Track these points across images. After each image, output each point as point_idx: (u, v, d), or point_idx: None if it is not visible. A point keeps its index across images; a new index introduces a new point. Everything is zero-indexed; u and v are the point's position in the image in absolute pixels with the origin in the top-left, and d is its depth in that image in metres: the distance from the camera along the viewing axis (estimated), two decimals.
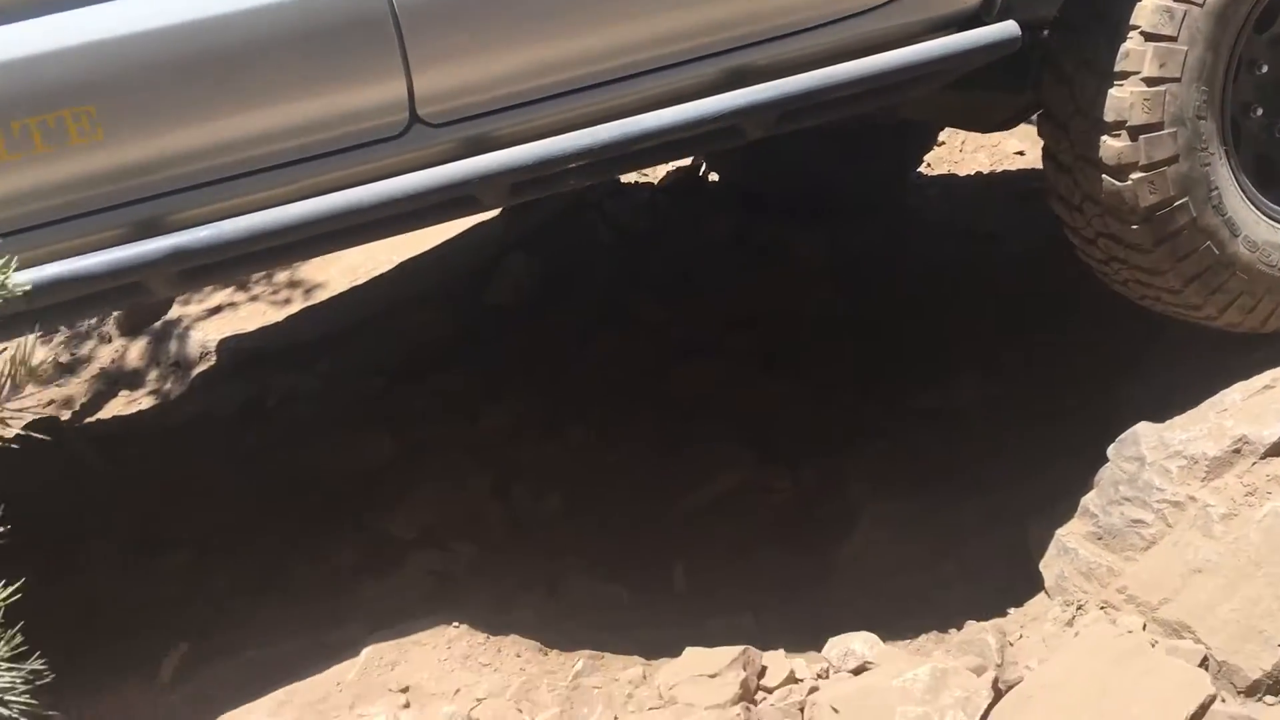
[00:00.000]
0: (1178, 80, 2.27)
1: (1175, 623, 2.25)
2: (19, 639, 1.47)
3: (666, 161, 3.11)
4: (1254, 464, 2.38)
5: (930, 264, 3.68)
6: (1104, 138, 2.31)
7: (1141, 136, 2.28)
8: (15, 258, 1.48)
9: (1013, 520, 2.75)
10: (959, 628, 2.46)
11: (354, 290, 3.96)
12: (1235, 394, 2.51)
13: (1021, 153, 4.25)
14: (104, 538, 2.82)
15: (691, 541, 2.99)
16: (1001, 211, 3.84)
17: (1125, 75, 2.28)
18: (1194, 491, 2.42)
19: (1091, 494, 2.58)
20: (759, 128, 2.19)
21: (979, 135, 4.30)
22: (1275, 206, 2.45)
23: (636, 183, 4.22)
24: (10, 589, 1.46)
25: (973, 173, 4.27)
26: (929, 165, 4.24)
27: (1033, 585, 2.60)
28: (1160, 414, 2.57)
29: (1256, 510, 2.28)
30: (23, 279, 1.49)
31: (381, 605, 2.59)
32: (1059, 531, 2.61)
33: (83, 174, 1.86)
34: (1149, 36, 2.26)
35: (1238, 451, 2.41)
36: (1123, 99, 2.28)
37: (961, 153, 4.33)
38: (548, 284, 3.79)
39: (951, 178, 4.25)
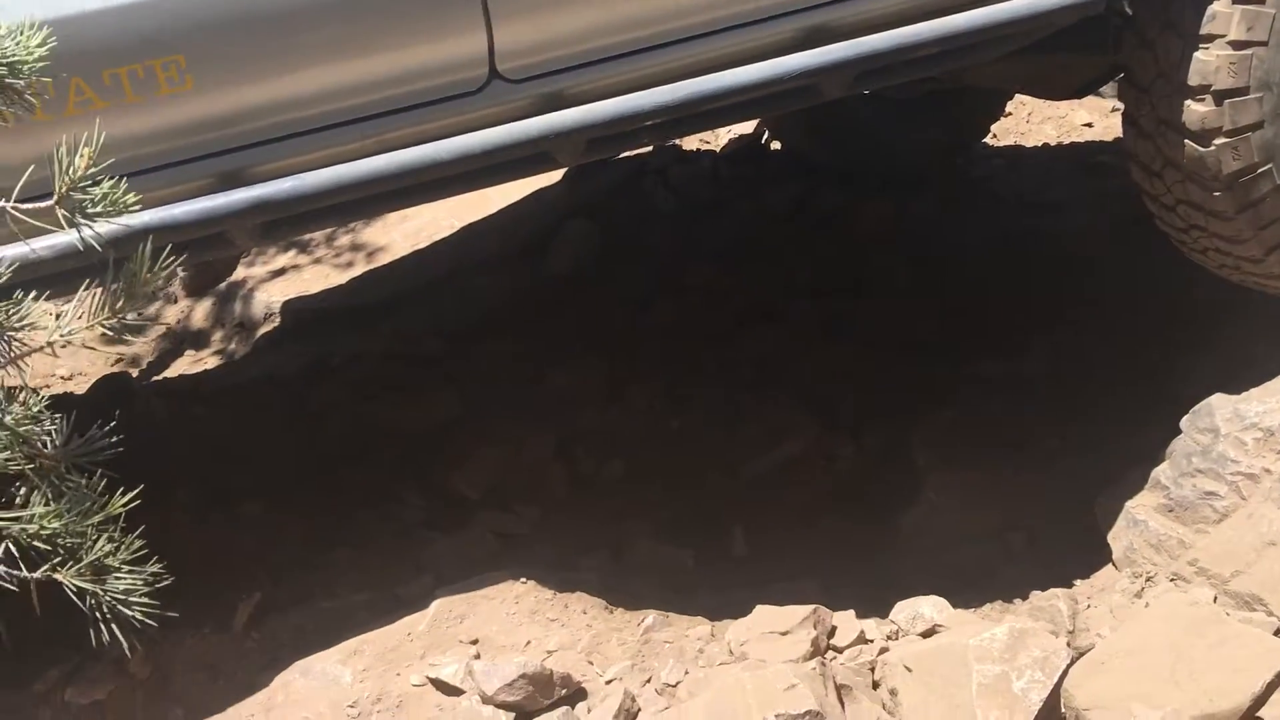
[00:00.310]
0: (1265, 44, 2.22)
1: (1248, 595, 2.22)
2: (138, 544, 1.51)
3: (743, 120, 3.06)
4: None
5: (995, 234, 3.64)
6: (1187, 102, 2.26)
7: (1226, 101, 2.24)
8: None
9: (1080, 491, 2.73)
10: (1024, 597, 2.45)
11: (416, 254, 3.99)
12: None
13: (1090, 125, 4.18)
14: (177, 490, 2.86)
15: (754, 507, 3.00)
16: (1068, 183, 3.79)
17: (1211, 39, 2.24)
18: (1269, 464, 2.38)
19: (1163, 466, 2.56)
20: (837, 87, 2.17)
21: (1046, 107, 4.24)
22: None
23: (698, 150, 4.20)
24: (129, 495, 1.49)
25: (1039, 144, 4.21)
26: (995, 136, 4.18)
27: (1100, 557, 2.58)
28: (1234, 386, 2.54)
29: None
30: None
31: (448, 561, 2.62)
32: (1128, 503, 2.58)
33: (171, 124, 1.89)
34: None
35: None
36: (1208, 62, 2.23)
37: (1029, 124, 4.26)
38: (608, 251, 3.80)
39: (1018, 149, 4.18)
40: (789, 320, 3.48)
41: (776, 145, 4.19)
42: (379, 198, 2.05)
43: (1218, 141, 2.26)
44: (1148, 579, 2.43)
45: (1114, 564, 2.56)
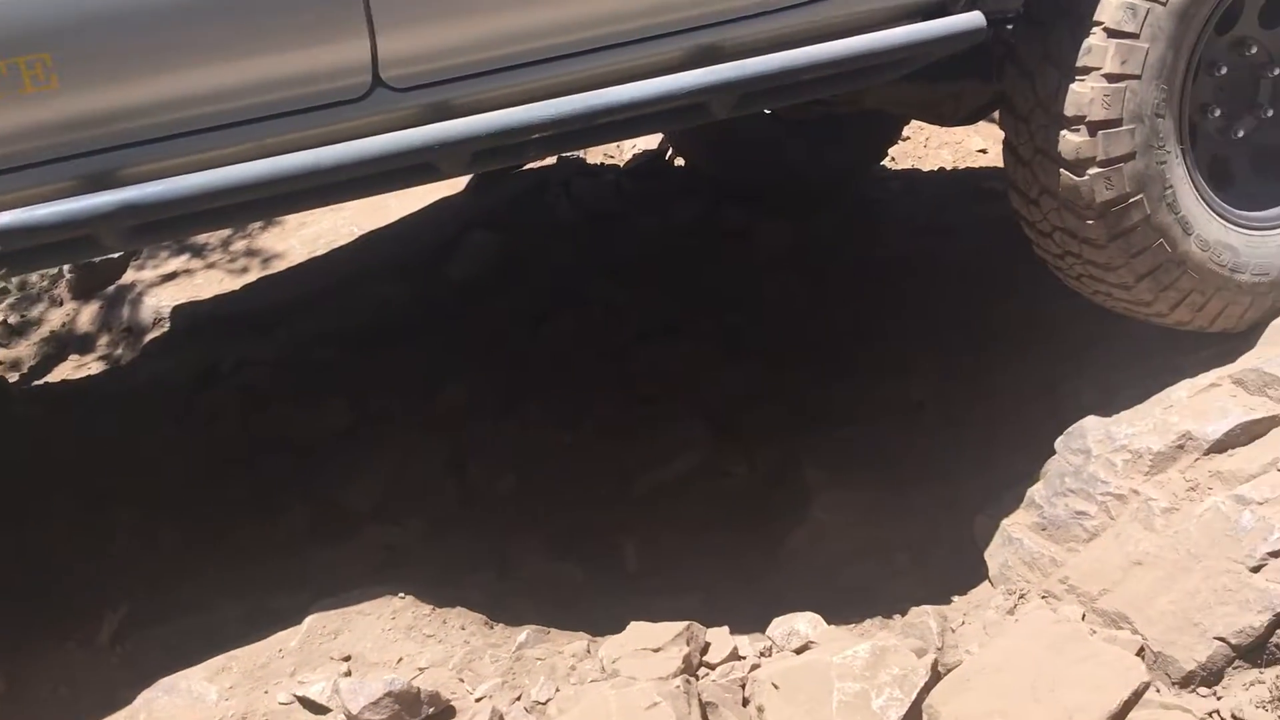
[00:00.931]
0: (1138, 77, 2.30)
1: (1114, 613, 2.29)
2: None
3: (631, 137, 3.08)
4: (1196, 460, 2.42)
5: (891, 256, 3.70)
6: (1063, 132, 2.33)
7: (1100, 132, 2.31)
8: None
9: (963, 510, 2.78)
10: (904, 614, 2.48)
11: (313, 260, 3.93)
12: (1181, 391, 2.55)
13: (984, 150, 4.28)
14: (50, 497, 2.78)
15: (646, 522, 3.00)
16: (960, 207, 3.87)
17: (1087, 71, 2.30)
18: (1137, 485, 2.46)
19: (1038, 485, 2.62)
20: (725, 107, 2.18)
21: (943, 133, 4.33)
22: (1228, 207, 2.49)
23: (602, 164, 4.21)
24: None
25: (936, 168, 4.30)
26: (894, 159, 4.26)
27: (978, 574, 2.63)
28: (1108, 409, 2.61)
29: (1197, 505, 2.32)
30: None
31: (331, 575, 2.58)
32: (1005, 521, 2.64)
33: (36, 123, 1.83)
34: (1111, 33, 2.28)
35: (1181, 447, 2.45)
36: (1083, 94, 2.30)
37: (926, 148, 4.35)
38: (509, 262, 3.78)
39: (915, 172, 4.27)
40: (688, 336, 3.49)
41: (681, 161, 4.22)
42: (257, 203, 2.01)
43: (1091, 171, 2.32)
44: (1021, 596, 2.48)
45: (990, 581, 2.61)
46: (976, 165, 4.28)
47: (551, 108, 2.04)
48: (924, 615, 2.09)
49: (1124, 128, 2.32)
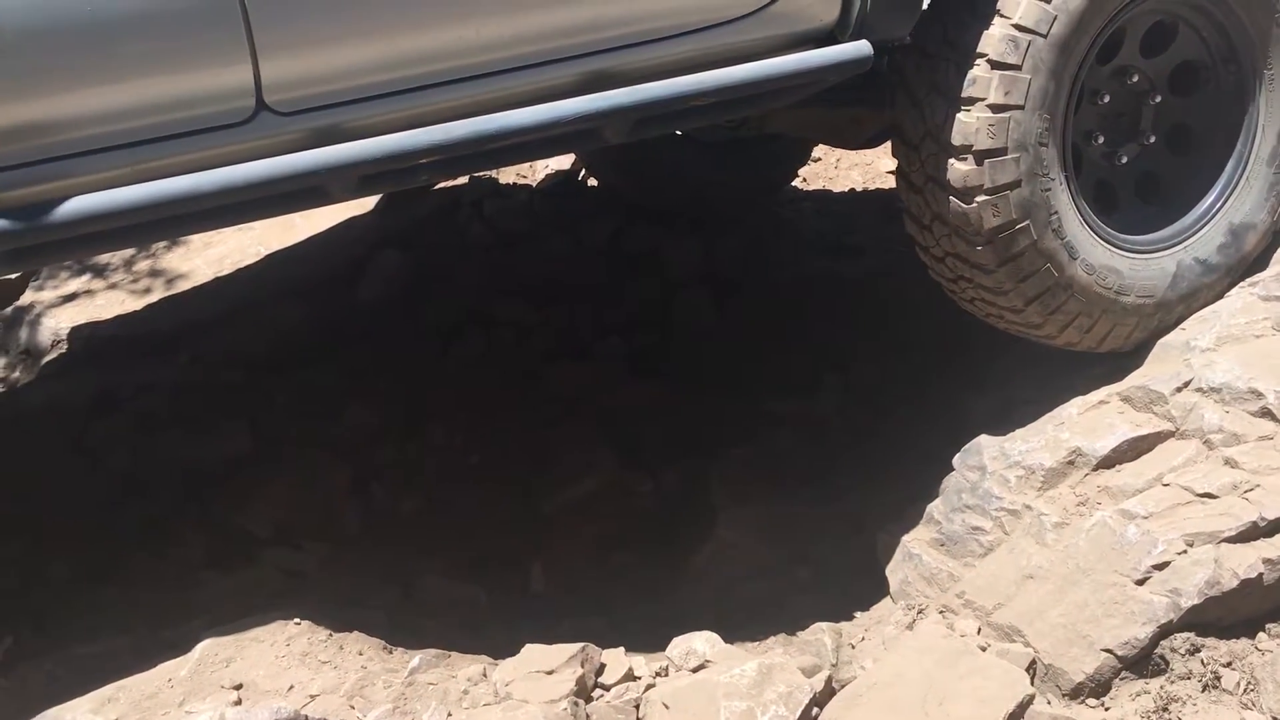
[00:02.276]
0: (1021, 108, 2.35)
1: (1007, 627, 2.32)
2: None
3: (523, 161, 3.07)
4: (1086, 475, 2.48)
5: (799, 275, 3.74)
6: (951, 160, 2.37)
7: (986, 161, 2.35)
8: None
9: (865, 526, 2.81)
10: (805, 629, 2.51)
11: (217, 281, 3.86)
12: (1073, 408, 2.61)
13: (893, 172, 4.34)
14: None
15: (552, 543, 3.00)
16: (869, 228, 3.93)
17: (972, 101, 2.35)
18: (1030, 501, 2.50)
19: (936, 501, 2.66)
20: (617, 132, 2.19)
21: (854, 154, 4.39)
22: (1113, 232, 2.55)
23: (514, 184, 4.20)
24: None
25: (847, 189, 4.37)
26: (805, 180, 4.32)
27: (880, 590, 2.66)
28: (1004, 425, 2.66)
29: (1086, 520, 2.37)
30: None
31: (227, 601, 2.54)
32: (905, 537, 2.68)
33: None
34: (995, 64, 2.33)
35: (1071, 463, 2.50)
36: (969, 124, 2.34)
37: (837, 170, 4.41)
38: (419, 282, 3.75)
39: (826, 193, 4.33)
40: (596, 357, 3.50)
41: (594, 181, 4.23)
42: (140, 227, 1.96)
43: (979, 199, 2.37)
44: (919, 611, 2.52)
45: (891, 596, 2.64)
46: (886, 186, 4.34)
47: (440, 132, 2.02)
48: (819, 633, 2.11)
49: (1009, 156, 2.36)
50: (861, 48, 2.27)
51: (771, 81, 2.22)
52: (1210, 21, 2.53)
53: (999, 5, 2.32)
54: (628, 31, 2.15)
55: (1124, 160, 2.59)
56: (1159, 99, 2.58)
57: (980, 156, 2.34)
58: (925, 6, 2.35)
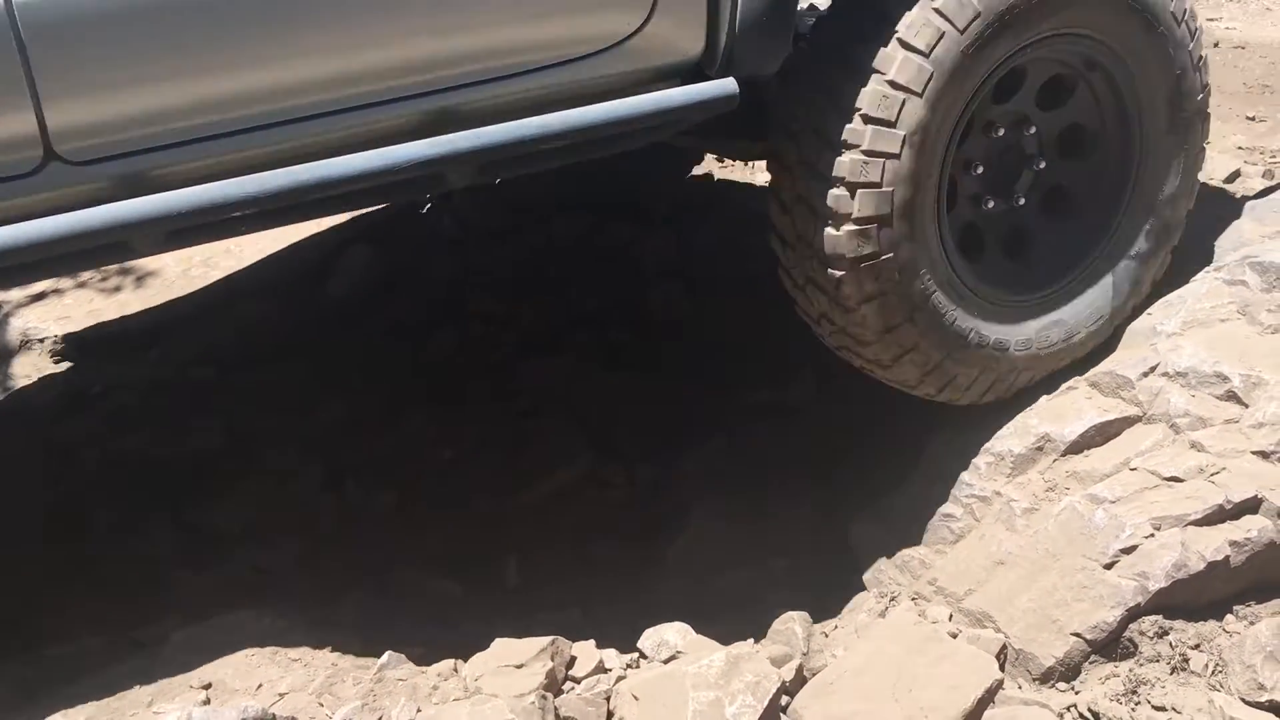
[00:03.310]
0: (896, 156, 2.24)
1: (978, 612, 2.34)
2: None
3: (359, 209, 2.64)
4: (1054, 461, 2.49)
5: (772, 267, 3.73)
6: (826, 193, 2.26)
7: (858, 192, 2.25)
8: None
9: (838, 515, 2.82)
10: (777, 619, 2.51)
11: (188, 278, 3.84)
12: (1041, 394, 2.62)
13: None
14: None
15: (527, 536, 2.99)
16: None
17: (847, 145, 2.24)
18: (999, 487, 2.51)
19: (909, 489, 2.67)
20: (460, 178, 2.06)
21: None
22: (979, 283, 2.46)
23: None
24: None
25: None
26: None
27: (853, 578, 2.67)
28: (975, 414, 2.66)
29: (1055, 505, 2.38)
30: None
31: (198, 600, 2.52)
32: (877, 526, 2.69)
33: None
34: (868, 119, 2.23)
35: (1040, 449, 2.51)
36: (843, 163, 2.23)
37: None
38: (391, 278, 3.74)
39: None
40: (570, 350, 3.49)
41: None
42: None
43: (846, 228, 2.27)
44: (892, 599, 2.53)
45: (865, 585, 2.66)
46: None
47: (254, 183, 1.85)
48: (790, 622, 2.11)
49: (881, 193, 2.25)
50: (727, 85, 2.12)
51: (629, 122, 2.08)
52: (1107, 87, 2.48)
53: (875, 62, 2.22)
54: (471, 69, 1.98)
55: (994, 215, 2.51)
56: (1042, 165, 2.49)
57: (853, 189, 2.24)
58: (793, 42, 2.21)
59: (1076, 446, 2.48)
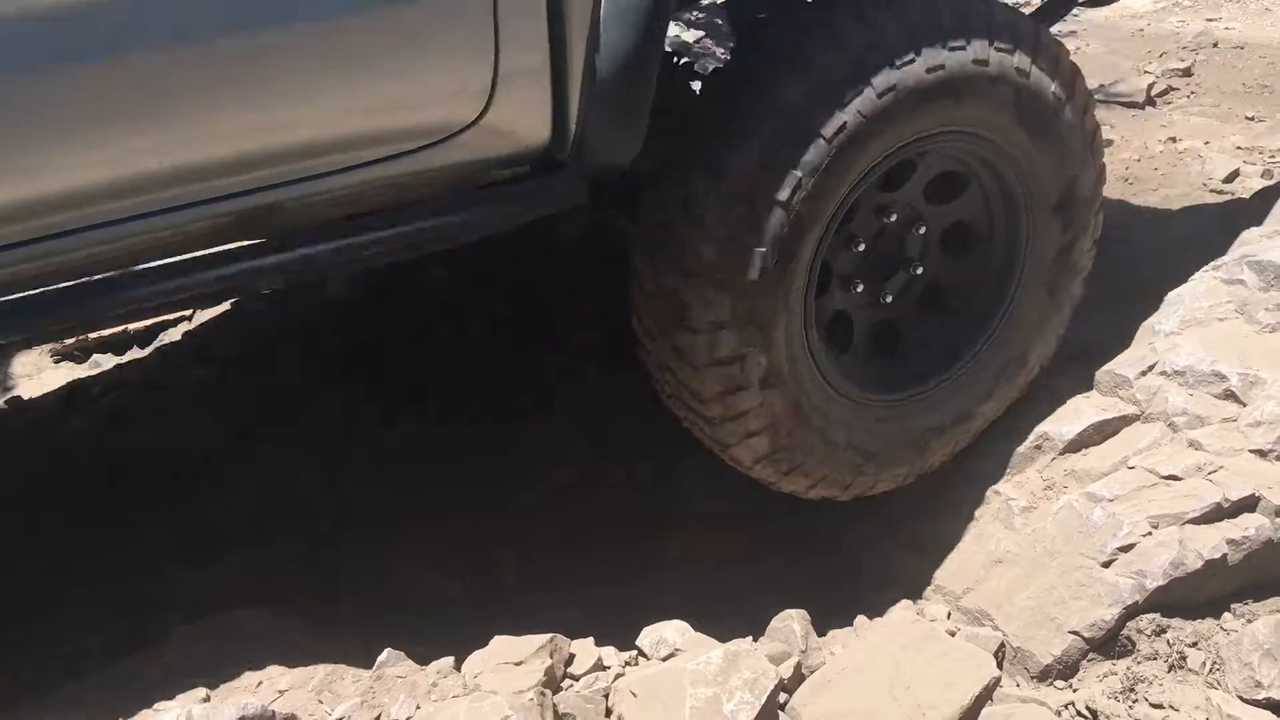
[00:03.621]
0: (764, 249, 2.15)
1: (977, 611, 2.34)
2: None
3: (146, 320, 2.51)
4: (1053, 460, 2.50)
5: None
6: (686, 280, 2.19)
7: (717, 288, 2.17)
8: None
9: (839, 514, 2.82)
10: (776, 617, 2.51)
11: None
12: (1039, 393, 2.63)
13: None
14: None
15: (527, 534, 2.99)
16: None
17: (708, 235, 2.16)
18: (998, 485, 2.52)
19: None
20: (272, 283, 1.98)
21: None
22: (845, 381, 2.42)
23: None
24: None
25: None
26: None
27: (853, 577, 2.68)
28: None
29: (1053, 503, 2.39)
30: None
31: (198, 598, 2.52)
32: (876, 524, 2.70)
33: None
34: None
35: (1039, 448, 2.52)
36: (705, 251, 2.16)
37: None
38: (389, 277, 3.74)
39: None
40: (568, 350, 3.49)
41: None
42: None
43: (707, 320, 2.20)
44: (890, 597, 2.53)
45: (863, 583, 2.66)
46: None
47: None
48: (789, 620, 2.12)
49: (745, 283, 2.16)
50: (574, 181, 2.02)
51: (460, 225, 1.97)
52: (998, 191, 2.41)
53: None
54: (296, 167, 1.80)
55: (863, 312, 2.45)
56: (920, 270, 2.44)
57: (713, 271, 2.15)
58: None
59: (1075, 445, 2.49)
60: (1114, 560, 2.22)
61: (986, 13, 2.23)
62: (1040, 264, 2.47)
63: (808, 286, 2.26)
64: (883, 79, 2.12)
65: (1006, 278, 2.49)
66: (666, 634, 2.12)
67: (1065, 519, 2.34)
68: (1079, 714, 2.08)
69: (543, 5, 1.84)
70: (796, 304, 2.24)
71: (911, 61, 2.14)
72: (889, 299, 2.46)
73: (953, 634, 2.24)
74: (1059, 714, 2.06)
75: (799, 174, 2.11)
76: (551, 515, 3.01)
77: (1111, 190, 4.43)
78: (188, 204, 1.75)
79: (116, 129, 1.65)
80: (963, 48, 2.19)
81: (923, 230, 2.42)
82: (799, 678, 1.99)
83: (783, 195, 2.11)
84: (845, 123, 2.12)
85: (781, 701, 1.90)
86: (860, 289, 2.42)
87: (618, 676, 1.96)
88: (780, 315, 2.22)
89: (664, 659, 2.05)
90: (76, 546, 2.75)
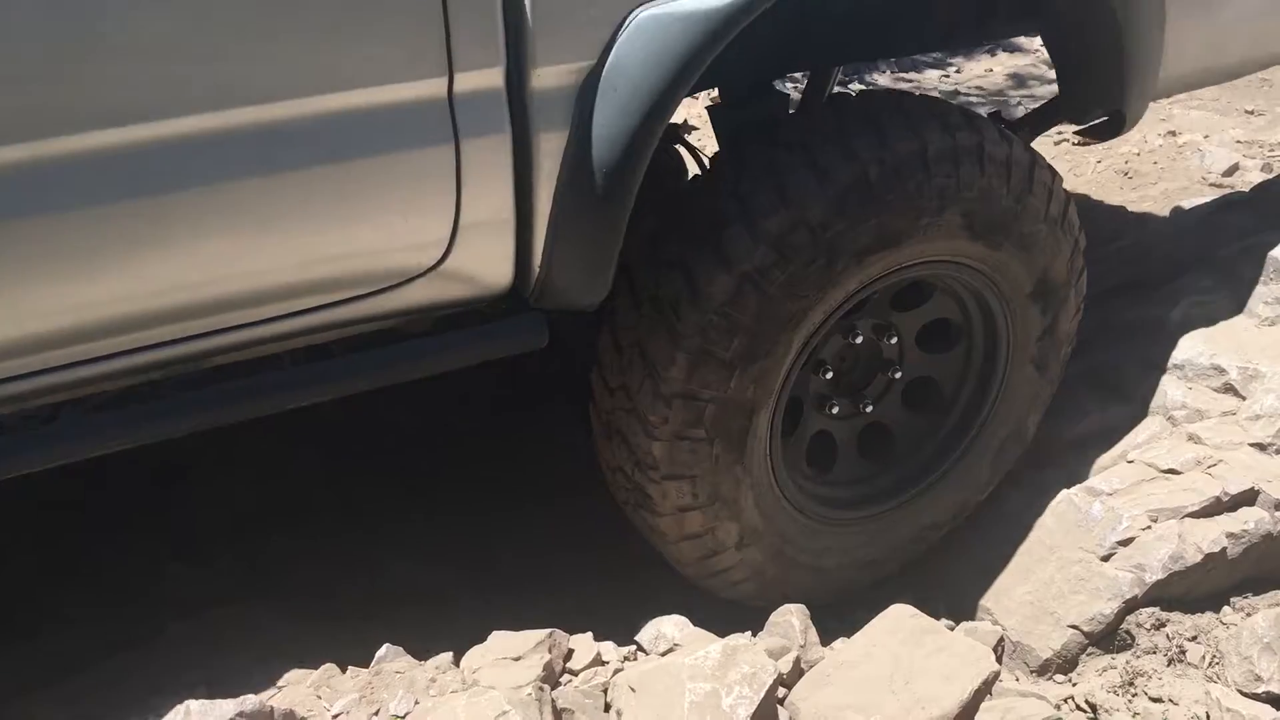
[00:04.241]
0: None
1: (976, 605, 2.34)
2: None
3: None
4: (1051, 454, 2.50)
5: None
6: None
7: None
8: None
9: None
10: (775, 612, 2.51)
11: None
12: None
13: None
14: None
15: (526, 528, 2.99)
16: None
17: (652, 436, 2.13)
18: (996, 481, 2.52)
19: None
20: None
21: None
22: (829, 507, 2.40)
23: None
24: None
25: None
26: None
27: None
28: None
29: (1052, 498, 2.39)
30: None
31: (192, 592, 2.52)
32: None
33: None
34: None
35: (1037, 441, 2.52)
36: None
37: None
38: None
39: None
40: (569, 340, 3.48)
41: None
42: None
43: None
44: (889, 592, 2.53)
45: None
46: None
47: None
48: (788, 614, 2.11)
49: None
50: (535, 325, 1.99)
51: (411, 365, 2.00)
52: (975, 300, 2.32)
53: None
54: (251, 313, 1.77)
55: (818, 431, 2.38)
56: (868, 410, 2.38)
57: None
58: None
59: (1073, 439, 2.48)
60: (1113, 554, 2.22)
61: (919, 150, 2.04)
62: (1024, 349, 2.36)
63: (770, 452, 2.20)
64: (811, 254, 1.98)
65: (990, 368, 2.38)
66: (665, 629, 2.11)
67: (1064, 513, 2.34)
68: (1078, 708, 2.08)
69: (509, 165, 1.77)
70: (760, 470, 2.19)
71: (843, 230, 1.99)
72: (869, 408, 2.38)
73: (952, 628, 2.24)
74: (1058, 708, 2.06)
75: (737, 371, 2.04)
76: (551, 506, 3.01)
77: (1111, 184, 4.44)
78: (143, 347, 1.77)
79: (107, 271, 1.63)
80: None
81: (894, 340, 2.32)
82: (798, 672, 1.99)
83: (722, 390, 2.05)
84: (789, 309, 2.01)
85: (780, 696, 1.89)
86: (836, 409, 2.35)
87: (616, 671, 1.96)
88: (744, 483, 2.17)
89: (663, 654, 2.04)
90: (72, 542, 2.74)
